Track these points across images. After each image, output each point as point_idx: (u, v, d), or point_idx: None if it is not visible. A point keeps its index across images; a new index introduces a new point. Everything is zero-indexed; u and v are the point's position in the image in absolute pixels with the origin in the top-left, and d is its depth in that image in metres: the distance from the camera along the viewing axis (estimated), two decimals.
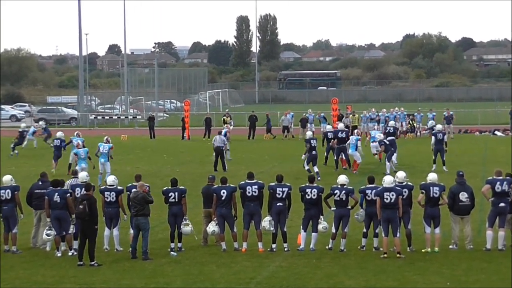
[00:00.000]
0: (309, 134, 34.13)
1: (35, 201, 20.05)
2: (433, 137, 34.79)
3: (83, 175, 20.09)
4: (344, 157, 34.41)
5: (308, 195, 19.28)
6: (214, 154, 35.24)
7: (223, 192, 19.40)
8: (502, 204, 19.05)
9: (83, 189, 19.29)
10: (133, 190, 19.21)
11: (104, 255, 18.85)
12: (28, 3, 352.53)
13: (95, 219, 18.24)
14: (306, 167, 32.35)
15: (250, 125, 54.50)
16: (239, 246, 19.44)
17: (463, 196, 19.21)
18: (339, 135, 34.47)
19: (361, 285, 16.17)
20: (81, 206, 18.12)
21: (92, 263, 18.07)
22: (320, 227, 19.27)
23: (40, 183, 20.31)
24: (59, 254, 19.10)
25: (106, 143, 32.41)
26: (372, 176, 19.61)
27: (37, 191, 20.07)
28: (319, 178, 30.27)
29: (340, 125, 37.02)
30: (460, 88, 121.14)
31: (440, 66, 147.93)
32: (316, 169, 31.97)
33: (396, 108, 55.63)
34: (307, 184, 19.47)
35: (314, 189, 19.31)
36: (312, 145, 32.57)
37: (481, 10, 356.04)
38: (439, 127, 36.75)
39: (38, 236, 20.09)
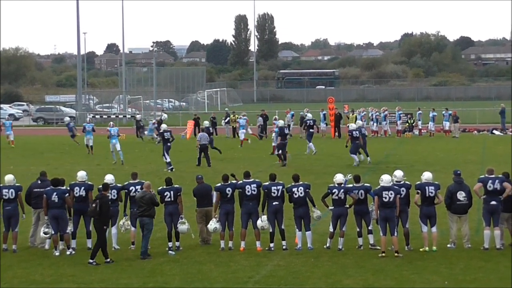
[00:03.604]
0: (164, 126, 37.18)
1: (34, 200, 20.04)
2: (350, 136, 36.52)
3: (82, 175, 20.06)
4: (281, 152, 36.24)
5: (296, 194, 19.32)
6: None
7: (229, 190, 19.48)
8: (493, 203, 19.06)
9: (82, 188, 19.51)
10: (143, 190, 19.18)
11: (101, 254, 18.83)
12: (26, 2, 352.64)
13: (105, 219, 18.32)
14: (167, 160, 35.24)
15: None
16: (233, 245, 19.44)
17: (461, 195, 19.23)
18: (285, 131, 36.87)
19: (359, 284, 16.17)
20: (93, 205, 18.17)
21: (91, 261, 18.08)
22: (314, 215, 19.37)
23: (40, 182, 20.30)
24: (57, 253, 19.10)
25: (113, 127, 39.46)
26: (358, 175, 19.63)
27: (36, 190, 20.05)
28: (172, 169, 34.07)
29: (352, 125, 37.80)
30: (458, 87, 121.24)
31: (438, 65, 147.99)
32: (168, 158, 35.06)
33: (383, 108, 56.08)
34: (292, 184, 19.50)
35: (301, 187, 19.38)
36: (166, 137, 35.56)
37: (479, 9, 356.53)
38: (353, 126, 37.61)
39: (36, 235, 20.09)
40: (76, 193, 19.56)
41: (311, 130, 42.22)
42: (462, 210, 19.30)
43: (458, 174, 19.57)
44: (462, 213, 19.32)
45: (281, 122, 38.89)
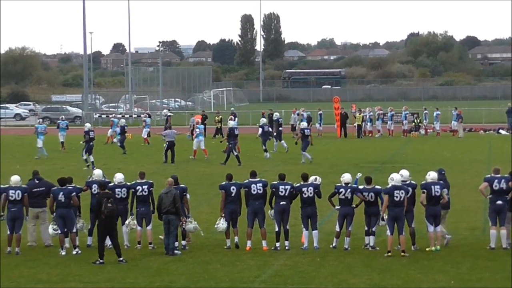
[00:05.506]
0: (88, 126, 38.14)
1: (34, 199, 19.81)
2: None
3: (99, 173, 20.10)
4: (235, 153, 36.77)
5: (305, 194, 19.31)
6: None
7: (233, 189, 19.47)
8: (499, 202, 19.05)
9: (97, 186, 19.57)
10: (167, 187, 19.12)
11: (108, 253, 18.81)
12: (33, 2, 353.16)
13: (117, 216, 18.52)
14: (84, 157, 36.63)
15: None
16: (238, 241, 19.43)
17: (445, 193, 19.28)
18: (235, 132, 37.17)
19: (366, 284, 16.16)
20: (109, 204, 18.10)
21: (121, 259, 18.12)
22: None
23: (37, 181, 20.15)
24: (63, 253, 19.10)
25: (41, 124, 42.49)
26: (370, 177, 19.59)
27: (35, 189, 19.89)
28: (88, 166, 35.45)
29: (303, 124, 39.81)
30: (465, 87, 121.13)
31: (444, 64, 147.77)
32: (91, 158, 36.46)
33: (378, 107, 56.28)
34: (301, 183, 19.50)
35: (310, 187, 19.37)
36: (91, 136, 36.72)
37: (485, 8, 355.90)
38: (304, 124, 39.27)
39: (38, 234, 20.04)
40: (94, 190, 19.66)
41: (280, 129, 43.91)
42: (447, 206, 19.52)
43: (443, 173, 19.65)
44: (448, 207, 19.56)
45: (231, 123, 39.10)
